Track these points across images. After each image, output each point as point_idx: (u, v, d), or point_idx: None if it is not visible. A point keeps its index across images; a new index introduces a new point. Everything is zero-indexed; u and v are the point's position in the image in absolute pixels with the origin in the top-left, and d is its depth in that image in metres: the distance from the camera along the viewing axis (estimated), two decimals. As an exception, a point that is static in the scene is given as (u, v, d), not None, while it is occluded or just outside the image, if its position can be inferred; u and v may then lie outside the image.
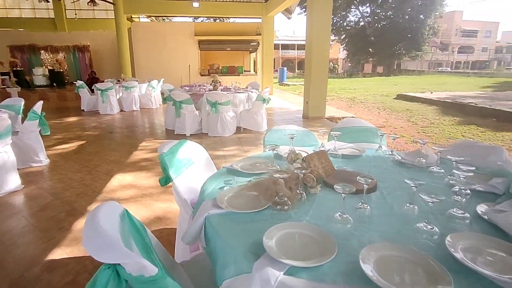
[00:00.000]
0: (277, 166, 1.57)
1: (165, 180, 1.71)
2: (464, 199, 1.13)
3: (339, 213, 1.11)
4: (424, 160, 1.59)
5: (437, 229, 1.00)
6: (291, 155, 1.44)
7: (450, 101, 10.62)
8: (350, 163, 1.83)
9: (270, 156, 1.76)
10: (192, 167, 1.82)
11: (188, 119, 5.86)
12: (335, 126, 2.50)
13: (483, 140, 6.07)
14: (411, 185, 1.09)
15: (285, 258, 0.87)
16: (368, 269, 0.82)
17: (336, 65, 41.92)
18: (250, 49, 15.23)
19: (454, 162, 1.33)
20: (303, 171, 1.18)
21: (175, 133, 6.02)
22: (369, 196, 1.34)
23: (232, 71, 14.09)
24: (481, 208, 1.16)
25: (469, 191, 1.05)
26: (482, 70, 40.24)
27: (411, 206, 1.16)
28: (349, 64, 42.03)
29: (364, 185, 1.12)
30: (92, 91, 9.06)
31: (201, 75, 13.68)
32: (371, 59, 37.19)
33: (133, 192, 3.25)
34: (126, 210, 1.07)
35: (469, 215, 1.10)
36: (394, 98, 12.68)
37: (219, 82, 7.19)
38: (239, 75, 13.86)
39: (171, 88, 7.17)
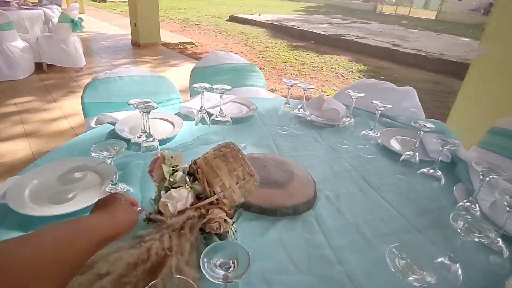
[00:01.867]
0: (129, 188, 0.74)
1: None
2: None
3: None
4: (352, 120, 1.11)
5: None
6: (158, 166, 0.62)
7: (277, 23, 11.14)
8: (242, 131, 1.17)
9: (102, 142, 0.85)
10: None
11: None
12: (198, 64, 1.70)
13: (312, 63, 6.61)
14: (460, 232, 0.53)
15: None
16: None
17: (158, -21, 36.94)
18: None
19: (421, 133, 0.87)
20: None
21: None
22: (317, 214, 0.75)
23: (10, -25, 9.70)
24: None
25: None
26: (291, -6, 44.85)
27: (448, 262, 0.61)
28: (173, -21, 37.89)
29: None
30: None
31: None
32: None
33: None
34: None
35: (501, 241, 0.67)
36: (227, 20, 12.32)
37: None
38: (25, -17, 9.73)
39: None
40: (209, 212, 0.58)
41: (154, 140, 0.87)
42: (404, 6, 22.30)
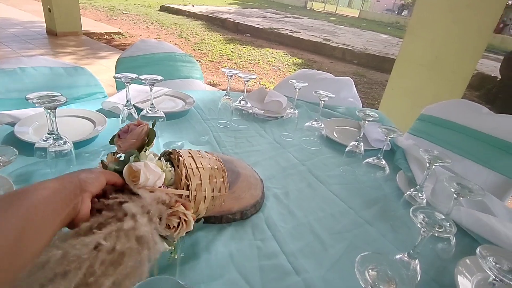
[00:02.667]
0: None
1: None
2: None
3: None
4: (296, 111, 1.06)
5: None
6: (136, 134, 0.51)
7: (212, 15, 10.88)
8: (178, 127, 1.05)
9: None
10: None
11: None
12: (124, 53, 1.50)
13: (248, 56, 6.59)
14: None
15: None
16: None
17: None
18: None
19: (365, 122, 0.85)
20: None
21: None
22: (266, 217, 0.68)
23: None
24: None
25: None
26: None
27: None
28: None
29: None
30: None
31: None
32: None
33: None
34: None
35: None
36: (158, 10, 11.68)
37: None
38: None
39: None
40: (176, 205, 0.47)
41: (66, 143, 0.70)
42: (331, 4, 23.74)
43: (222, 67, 5.74)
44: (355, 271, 0.36)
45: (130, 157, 0.49)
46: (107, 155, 0.53)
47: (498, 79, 5.25)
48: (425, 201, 0.73)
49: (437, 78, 2.05)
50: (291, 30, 9.71)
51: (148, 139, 0.53)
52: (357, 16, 19.69)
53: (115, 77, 0.85)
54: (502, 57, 5.20)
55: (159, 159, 0.53)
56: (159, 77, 0.88)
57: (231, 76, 1.01)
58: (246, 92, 1.13)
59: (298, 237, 0.63)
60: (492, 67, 6.78)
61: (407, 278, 0.35)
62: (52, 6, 5.30)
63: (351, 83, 1.40)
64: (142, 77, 0.87)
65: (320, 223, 0.68)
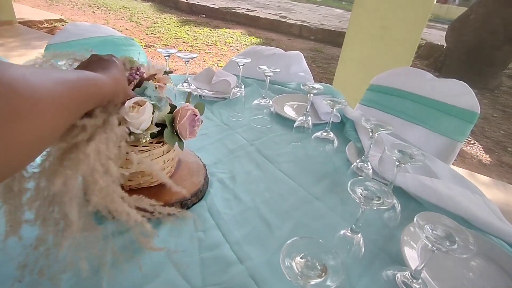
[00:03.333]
0: None
1: None
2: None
3: None
4: (242, 90, 1.00)
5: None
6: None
7: (163, -4, 10.33)
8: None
9: None
10: None
11: None
12: (53, 39, 1.35)
13: (205, 38, 6.36)
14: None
15: None
16: None
17: None
18: None
19: (311, 96, 0.81)
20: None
21: None
22: (210, 205, 0.64)
23: None
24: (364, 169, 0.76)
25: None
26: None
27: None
28: None
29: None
30: None
31: None
32: None
33: None
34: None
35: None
36: (104, -7, 10.85)
37: None
38: None
39: None
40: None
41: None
42: (287, -20, 23.41)
43: (178, 51, 5.51)
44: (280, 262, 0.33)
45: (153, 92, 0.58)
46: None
47: (444, 47, 5.53)
48: (371, 171, 0.73)
49: (386, 48, 2.09)
50: (247, 9, 9.48)
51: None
52: (312, -9, 19.62)
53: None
54: (447, 26, 5.46)
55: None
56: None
57: (168, 56, 0.93)
58: (189, 72, 1.05)
59: (243, 223, 0.60)
60: (439, 36, 7.11)
61: (340, 264, 0.32)
62: (-25, -8, 4.70)
63: (301, 57, 1.36)
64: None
65: (268, 205, 0.65)
